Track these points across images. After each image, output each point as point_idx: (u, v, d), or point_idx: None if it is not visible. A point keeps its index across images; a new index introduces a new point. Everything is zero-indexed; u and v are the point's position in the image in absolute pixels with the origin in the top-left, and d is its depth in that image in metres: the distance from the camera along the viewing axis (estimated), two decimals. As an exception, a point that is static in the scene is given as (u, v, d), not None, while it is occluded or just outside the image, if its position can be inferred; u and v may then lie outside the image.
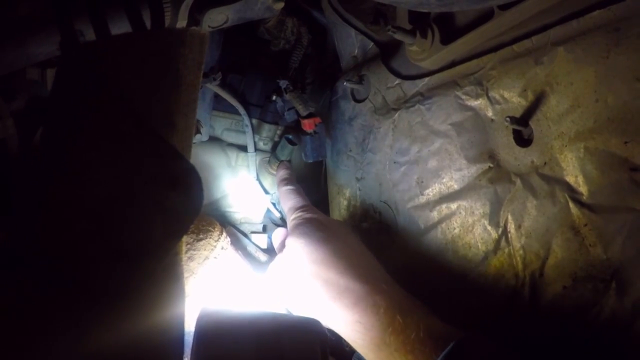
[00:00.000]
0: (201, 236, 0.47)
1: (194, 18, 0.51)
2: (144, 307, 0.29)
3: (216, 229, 0.50)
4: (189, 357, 0.35)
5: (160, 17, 0.36)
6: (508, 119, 0.44)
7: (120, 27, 0.40)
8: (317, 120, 0.63)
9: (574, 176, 0.40)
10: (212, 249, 0.47)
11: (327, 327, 0.44)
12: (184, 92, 0.33)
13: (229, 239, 0.51)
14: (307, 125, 0.62)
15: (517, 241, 0.44)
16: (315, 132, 0.63)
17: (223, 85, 0.61)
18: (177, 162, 0.31)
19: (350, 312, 0.43)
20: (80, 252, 0.29)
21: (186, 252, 0.46)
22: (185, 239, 0.47)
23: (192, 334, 0.35)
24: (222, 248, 0.49)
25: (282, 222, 0.70)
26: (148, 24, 0.36)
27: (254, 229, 0.68)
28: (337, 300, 0.44)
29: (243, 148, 0.67)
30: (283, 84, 0.61)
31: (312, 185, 0.75)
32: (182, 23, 0.49)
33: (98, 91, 0.31)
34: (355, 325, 0.43)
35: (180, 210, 0.31)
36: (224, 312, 0.36)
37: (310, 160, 0.65)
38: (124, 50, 0.32)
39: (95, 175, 0.30)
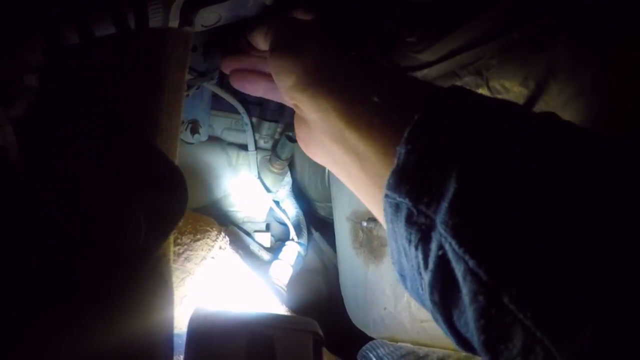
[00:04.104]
0: (198, 236, 0.47)
1: (187, 17, 0.51)
2: (130, 309, 0.29)
3: (214, 229, 0.49)
4: (182, 358, 0.35)
5: (143, 18, 0.36)
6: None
7: (106, 31, 0.39)
8: None
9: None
10: (209, 249, 0.47)
11: None
12: (168, 92, 0.33)
13: (227, 238, 0.51)
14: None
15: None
16: None
17: (221, 84, 0.61)
18: (160, 163, 0.31)
19: None
20: (65, 255, 0.29)
21: (183, 253, 0.46)
22: (182, 240, 0.47)
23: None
24: (220, 248, 0.48)
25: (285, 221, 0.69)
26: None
27: (257, 228, 0.68)
28: None
29: (243, 147, 0.66)
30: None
31: (315, 187, 0.74)
32: (173, 23, 0.48)
33: (80, 93, 0.31)
34: None
35: (164, 211, 0.30)
36: (216, 313, 0.36)
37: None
38: (105, 51, 0.32)
39: (77, 177, 0.29)
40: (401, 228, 0.22)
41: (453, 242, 0.19)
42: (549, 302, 0.17)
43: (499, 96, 0.45)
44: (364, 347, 0.56)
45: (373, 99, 0.26)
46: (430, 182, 0.21)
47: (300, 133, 0.35)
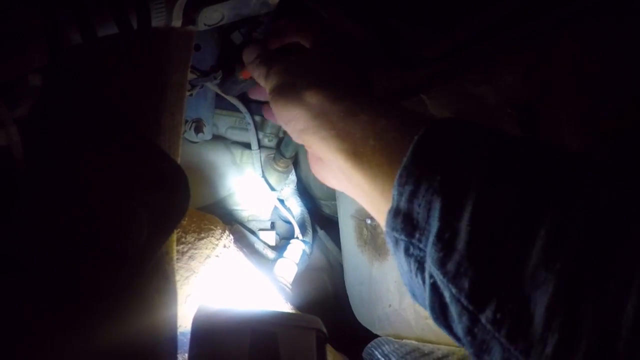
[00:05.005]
0: (202, 235, 0.47)
1: (190, 17, 0.51)
2: (133, 307, 0.30)
3: (218, 227, 0.50)
4: (187, 356, 0.35)
5: (146, 18, 0.36)
6: (511, 106, 0.42)
7: (109, 31, 0.40)
8: None
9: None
10: (213, 248, 0.47)
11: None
12: (170, 91, 0.33)
13: (232, 237, 0.51)
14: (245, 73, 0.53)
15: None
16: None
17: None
18: (162, 162, 0.31)
19: None
20: (68, 254, 0.29)
21: (187, 252, 0.46)
22: (186, 238, 0.47)
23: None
24: (225, 246, 0.49)
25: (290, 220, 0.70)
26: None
27: (261, 226, 0.68)
28: None
29: (248, 145, 0.66)
30: (237, 37, 0.52)
31: (320, 185, 0.74)
32: (177, 22, 0.48)
33: (82, 93, 0.31)
34: None
35: (167, 209, 0.31)
36: (219, 311, 0.36)
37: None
38: (108, 51, 0.32)
39: (80, 177, 0.30)
40: (402, 259, 0.25)
41: (438, 273, 0.22)
42: (518, 322, 0.20)
43: (502, 92, 0.45)
44: (369, 345, 0.57)
45: (370, 142, 0.29)
46: (419, 220, 0.24)
47: (314, 167, 0.38)
